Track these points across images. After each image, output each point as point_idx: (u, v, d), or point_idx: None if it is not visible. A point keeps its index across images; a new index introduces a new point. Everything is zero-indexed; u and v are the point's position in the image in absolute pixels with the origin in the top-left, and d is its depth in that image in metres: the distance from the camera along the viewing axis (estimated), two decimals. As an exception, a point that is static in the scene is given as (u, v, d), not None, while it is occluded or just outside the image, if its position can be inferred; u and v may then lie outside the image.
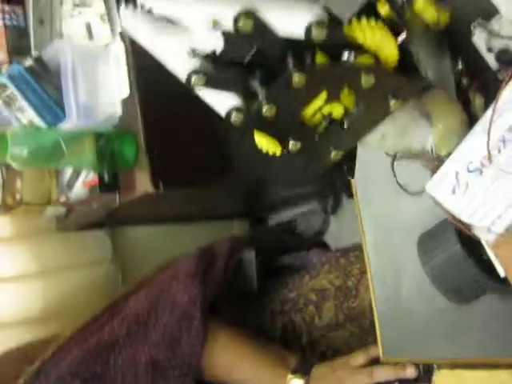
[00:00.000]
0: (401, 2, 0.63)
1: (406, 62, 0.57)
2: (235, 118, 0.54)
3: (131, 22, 0.48)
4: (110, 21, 1.61)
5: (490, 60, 0.65)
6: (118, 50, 1.59)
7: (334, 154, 0.58)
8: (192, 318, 1.24)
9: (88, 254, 1.97)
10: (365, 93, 0.54)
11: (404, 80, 0.56)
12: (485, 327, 0.77)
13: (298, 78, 0.51)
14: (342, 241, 1.98)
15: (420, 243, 0.76)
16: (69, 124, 1.55)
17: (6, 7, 1.77)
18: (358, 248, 1.30)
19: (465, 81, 0.65)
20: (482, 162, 0.59)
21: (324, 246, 1.71)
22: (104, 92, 1.61)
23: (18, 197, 1.73)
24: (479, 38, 0.65)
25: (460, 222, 0.62)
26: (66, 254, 1.91)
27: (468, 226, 0.61)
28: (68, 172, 1.72)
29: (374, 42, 0.55)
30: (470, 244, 0.67)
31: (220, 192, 1.91)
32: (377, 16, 0.64)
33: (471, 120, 0.64)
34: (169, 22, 0.48)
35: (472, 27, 0.65)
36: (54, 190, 1.78)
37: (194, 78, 0.51)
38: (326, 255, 1.41)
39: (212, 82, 0.52)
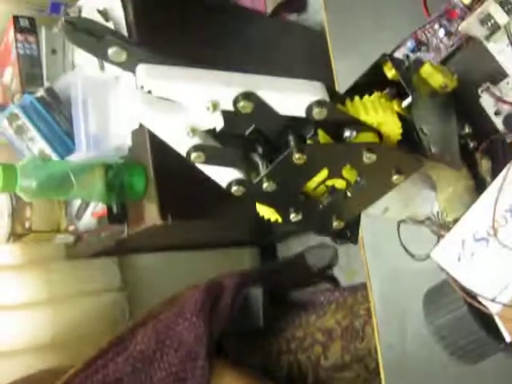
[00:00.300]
0: (407, 65, 0.63)
1: (410, 135, 0.56)
2: (236, 190, 0.53)
3: (132, 102, 0.48)
4: (122, 53, 1.62)
5: (498, 123, 0.65)
6: (129, 81, 1.60)
7: (336, 224, 0.58)
8: (197, 358, 1.23)
9: (96, 282, 1.97)
10: (367, 169, 0.53)
11: (407, 156, 0.55)
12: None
13: (298, 158, 0.50)
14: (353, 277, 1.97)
15: (425, 300, 0.75)
16: (78, 155, 1.56)
17: (19, 36, 1.78)
18: (365, 287, 1.29)
19: (472, 144, 0.65)
20: (488, 231, 0.58)
21: (333, 280, 1.69)
22: (114, 123, 1.61)
23: (27, 225, 1.73)
24: (487, 101, 0.65)
25: (465, 290, 0.61)
26: (75, 281, 1.91)
27: (473, 295, 0.60)
28: (77, 202, 1.73)
29: (377, 119, 0.53)
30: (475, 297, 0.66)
31: (229, 222, 1.90)
32: (381, 88, 0.64)
33: (478, 184, 0.63)
34: (167, 102, 0.48)
35: (480, 91, 0.65)
36: (62, 219, 1.78)
37: (193, 156, 0.50)
38: (333, 294, 1.39)
39: (212, 159, 0.51)
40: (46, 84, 1.69)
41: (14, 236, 1.72)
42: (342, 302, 1.35)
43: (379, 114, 0.53)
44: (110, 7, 1.69)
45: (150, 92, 0.46)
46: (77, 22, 0.45)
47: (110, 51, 0.45)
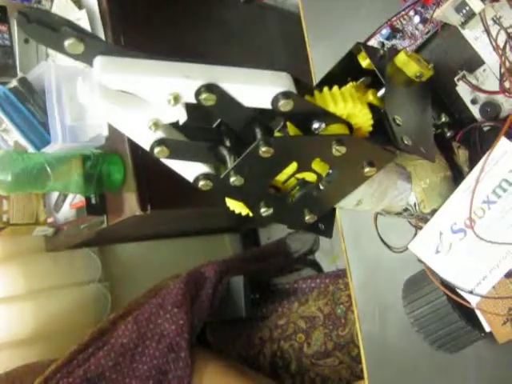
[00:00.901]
0: (381, 54, 0.61)
1: (382, 126, 0.54)
2: (203, 184, 0.51)
3: (89, 96, 0.45)
4: (96, 41, 1.59)
5: (475, 112, 0.63)
6: (87, 74, 1.57)
7: (309, 218, 0.56)
8: (179, 349, 1.22)
9: (77, 274, 1.96)
10: (337, 161, 0.51)
11: (378, 148, 0.53)
12: (469, 373, 0.76)
13: (265, 151, 0.48)
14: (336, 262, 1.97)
15: (404, 290, 0.74)
16: (54, 146, 1.53)
17: (-9, 26, 1.75)
18: (346, 274, 1.28)
19: (449, 133, 0.63)
20: (465, 222, 0.57)
21: (315, 266, 1.69)
22: (90, 113, 1.59)
23: (4, 218, 1.71)
24: (463, 90, 0.64)
25: (443, 282, 0.60)
26: (55, 274, 1.90)
27: (452, 287, 0.59)
28: (55, 194, 1.70)
29: (346, 111, 0.51)
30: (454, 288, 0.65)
31: (209, 210, 1.89)
32: (356, 77, 0.62)
33: (455, 174, 0.62)
34: (128, 96, 0.46)
35: (456, 79, 0.63)
36: (41, 211, 1.76)
37: (156, 150, 0.48)
38: (315, 281, 1.39)
39: (176, 154, 0.49)
40: (20, 74, 1.66)
41: (-8, 230, 1.70)
42: (324, 289, 1.35)
43: (348, 105, 0.51)
44: (82, -6, 1.66)
45: (107, 85, 0.44)
46: (30, 14, 0.42)
47: (67, 43, 0.42)
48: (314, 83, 0.93)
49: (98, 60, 0.44)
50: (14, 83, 1.60)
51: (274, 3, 2.14)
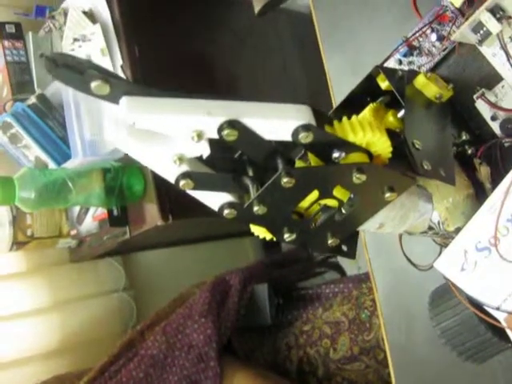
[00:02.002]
0: (400, 75, 0.62)
1: (402, 150, 0.55)
2: (228, 213, 0.52)
3: (116, 135, 0.47)
4: (111, 54, 1.61)
5: (495, 128, 0.64)
6: (113, 113, 1.58)
7: (332, 241, 0.57)
8: (208, 359, 1.24)
9: (102, 283, 1.98)
10: (358, 188, 0.53)
11: (398, 174, 0.54)
12: (497, 382, 0.77)
13: (286, 181, 0.49)
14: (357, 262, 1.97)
15: (430, 302, 0.75)
16: (75, 161, 1.55)
17: (6, 43, 1.76)
18: (369, 278, 1.29)
19: (470, 150, 0.64)
20: (490, 241, 0.57)
21: (338, 268, 1.69)
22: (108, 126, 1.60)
23: (29, 232, 1.73)
24: (483, 107, 0.64)
25: (469, 299, 0.60)
26: (80, 284, 1.92)
27: (478, 304, 0.60)
28: (77, 206, 1.72)
29: (365, 139, 0.52)
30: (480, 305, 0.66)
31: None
32: (375, 97, 0.63)
33: (478, 191, 0.63)
34: (152, 133, 0.47)
35: (475, 97, 0.64)
36: (64, 224, 1.79)
37: (182, 183, 0.49)
38: (338, 286, 1.39)
39: (201, 185, 0.51)
40: (38, 90, 1.68)
41: (17, 244, 1.72)
42: (348, 294, 1.36)
43: (367, 135, 0.52)
44: (95, 8, 1.67)
45: (133, 124, 0.45)
46: (58, 58, 0.44)
47: (93, 85, 0.44)
48: (332, 95, 0.94)
49: (124, 101, 0.46)
50: (32, 100, 1.62)
51: (284, 5, 2.14)
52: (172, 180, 0.51)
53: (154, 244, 2.04)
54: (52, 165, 1.63)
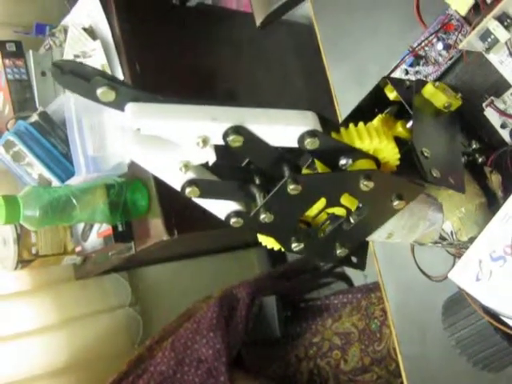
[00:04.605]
0: (408, 85, 0.62)
1: (410, 158, 0.54)
2: (234, 221, 0.51)
3: (122, 142, 0.47)
4: (112, 70, 1.61)
5: (505, 136, 0.63)
6: (118, 120, 1.59)
7: (340, 252, 0.56)
8: (218, 374, 1.23)
9: (108, 299, 1.97)
10: (366, 196, 0.52)
11: (406, 182, 0.53)
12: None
13: (293, 188, 0.48)
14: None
15: (444, 312, 0.74)
16: (78, 178, 1.54)
17: (7, 61, 1.76)
18: (378, 288, 1.28)
19: (480, 159, 0.63)
20: (505, 250, 0.57)
21: (345, 279, 1.69)
22: (111, 141, 1.60)
23: (33, 250, 1.73)
24: (492, 114, 0.63)
25: (485, 309, 0.60)
26: (86, 301, 1.91)
27: (494, 314, 0.59)
28: (82, 223, 1.71)
29: (372, 146, 0.51)
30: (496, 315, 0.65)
31: (234, 228, 1.89)
32: (383, 107, 0.62)
33: (489, 198, 0.62)
34: (158, 140, 0.47)
35: (484, 105, 0.63)
36: (68, 241, 1.78)
37: (188, 191, 0.48)
38: (347, 297, 1.39)
39: (207, 193, 0.50)
40: (39, 108, 1.67)
41: (22, 262, 1.72)
42: (357, 304, 1.35)
43: (374, 141, 0.51)
44: (95, 25, 1.67)
45: (139, 130, 0.45)
46: (63, 65, 0.44)
47: (99, 92, 0.44)
48: (337, 106, 0.93)
49: (129, 107, 0.45)
50: (34, 117, 1.62)
51: (285, 16, 2.14)
52: (178, 187, 0.50)
53: (160, 258, 2.03)
54: (56, 182, 1.62)
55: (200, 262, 2.21)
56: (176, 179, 0.49)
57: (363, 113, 0.64)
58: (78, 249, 1.76)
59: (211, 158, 0.48)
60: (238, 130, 0.46)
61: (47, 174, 1.62)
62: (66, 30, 1.75)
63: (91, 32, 1.68)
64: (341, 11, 0.94)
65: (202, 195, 0.49)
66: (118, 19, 1.65)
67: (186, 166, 0.48)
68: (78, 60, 1.69)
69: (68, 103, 1.56)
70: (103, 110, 1.60)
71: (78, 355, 1.80)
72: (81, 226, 1.74)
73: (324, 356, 1.32)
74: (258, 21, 1.06)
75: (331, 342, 1.31)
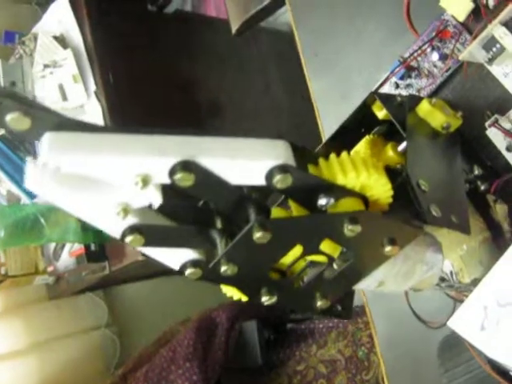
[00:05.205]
0: (399, 101, 0.53)
1: (404, 193, 0.45)
2: (191, 273, 0.41)
3: (39, 182, 0.35)
4: (84, 81, 1.52)
5: (511, 159, 0.55)
6: (95, 111, 1.51)
7: (321, 303, 0.47)
8: (194, 408, 1.15)
9: (82, 320, 1.89)
10: (351, 242, 0.42)
11: (400, 224, 0.44)
12: None
13: (260, 237, 0.38)
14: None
15: (440, 355, 0.66)
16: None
17: (-26, 71, 1.68)
18: (365, 312, 1.20)
19: (483, 186, 0.55)
20: (515, 295, 0.49)
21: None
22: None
23: (2, 271, 1.64)
24: (496, 136, 0.55)
25: (491, 363, 0.52)
26: (60, 322, 1.83)
27: (502, 369, 0.51)
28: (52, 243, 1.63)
29: (359, 181, 0.41)
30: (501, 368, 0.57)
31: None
32: (367, 128, 0.54)
33: (494, 231, 0.54)
34: (86, 179, 0.36)
35: (487, 125, 0.55)
36: (40, 261, 1.70)
37: (128, 240, 0.38)
38: (332, 321, 1.30)
39: (154, 241, 0.39)
40: (7, 121, 1.58)
41: (-9, 283, 1.64)
42: (343, 330, 1.26)
43: (361, 176, 0.41)
44: (66, 33, 1.59)
45: (58, 168, 0.34)
46: None
47: (9, 118, 0.34)
48: (319, 122, 0.85)
49: (47, 137, 0.35)
50: (1, 131, 1.53)
51: (266, 24, 2.07)
52: (118, 235, 0.40)
53: (137, 277, 1.94)
54: (25, 199, 1.54)
55: (179, 279, 2.12)
56: (114, 226, 0.39)
57: (348, 134, 0.55)
58: (50, 268, 1.68)
59: (156, 199, 0.38)
60: (187, 165, 0.36)
61: (16, 191, 1.54)
62: (36, 38, 1.67)
63: (62, 40, 1.60)
64: (322, 17, 0.85)
65: (148, 244, 0.39)
66: (90, 27, 1.56)
67: (125, 211, 0.38)
68: (48, 70, 1.60)
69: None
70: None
71: (51, 380, 1.71)
72: (52, 245, 1.66)
73: (309, 385, 1.23)
74: (234, 28, 0.98)
75: (316, 370, 1.23)
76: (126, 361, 1.47)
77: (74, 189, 0.36)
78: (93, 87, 1.51)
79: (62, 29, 1.60)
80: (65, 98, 1.55)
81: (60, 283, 1.74)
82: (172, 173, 0.36)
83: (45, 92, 1.60)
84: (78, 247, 1.57)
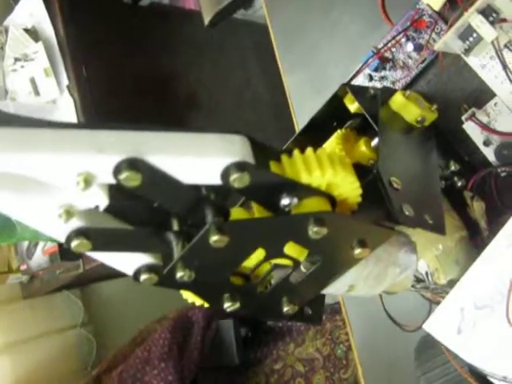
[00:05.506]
0: (372, 94, 0.51)
1: (375, 191, 0.42)
2: (146, 278, 0.38)
3: None
4: (56, 75, 1.48)
5: (489, 154, 0.53)
6: (67, 106, 1.47)
7: (288, 309, 0.43)
8: (169, 409, 1.12)
9: (58, 320, 1.86)
10: (317, 244, 0.39)
11: (371, 225, 0.40)
12: None
13: (216, 240, 0.35)
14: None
15: (417, 357, 0.64)
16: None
17: None
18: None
19: (459, 183, 0.53)
20: (492, 296, 0.46)
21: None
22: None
23: (-27, 269, 1.60)
24: (472, 130, 0.53)
25: (468, 367, 0.49)
26: (34, 322, 1.80)
27: (478, 372, 0.49)
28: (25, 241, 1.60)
29: (325, 180, 0.38)
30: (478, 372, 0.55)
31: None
32: (340, 121, 0.51)
33: (471, 229, 0.52)
34: (23, 179, 0.32)
35: (464, 118, 0.53)
36: (13, 259, 1.66)
37: (74, 244, 0.34)
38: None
39: (103, 245, 0.36)
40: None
41: (-38, 282, 1.60)
42: (321, 328, 1.24)
43: (327, 173, 0.38)
44: (38, 25, 1.55)
45: None
46: None
47: None
48: (293, 116, 0.83)
49: None
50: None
51: (243, 17, 2.04)
52: (63, 239, 0.36)
53: (112, 275, 1.91)
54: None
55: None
56: (58, 229, 0.35)
57: (319, 128, 0.52)
58: (23, 267, 1.64)
59: (102, 200, 0.34)
60: (133, 164, 0.32)
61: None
62: (7, 31, 1.62)
63: (34, 33, 1.55)
64: (297, 10, 0.83)
65: (96, 248, 0.36)
66: (62, 19, 1.52)
67: (68, 213, 0.34)
68: (19, 63, 1.56)
69: (7, 109, 1.44)
70: (47, 117, 1.48)
71: (24, 381, 1.68)
72: (25, 243, 1.63)
73: (286, 384, 1.21)
74: (207, 19, 0.94)
75: (294, 368, 1.21)
76: (103, 360, 1.45)
77: (9, 189, 0.33)
78: (65, 82, 1.47)
79: (33, 21, 1.56)
80: (37, 92, 1.51)
81: (34, 282, 1.70)
82: (116, 172, 0.32)
83: (16, 86, 1.56)
84: (52, 245, 1.53)
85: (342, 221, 0.39)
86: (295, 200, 0.37)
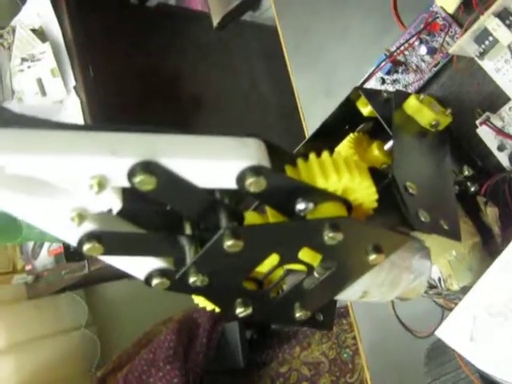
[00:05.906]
0: (385, 97, 0.50)
1: (391, 197, 0.41)
2: (158, 283, 0.38)
3: None
4: (63, 75, 1.48)
5: (503, 160, 0.52)
6: (74, 106, 1.47)
7: (301, 314, 0.43)
8: (174, 411, 1.11)
9: (62, 320, 1.86)
10: (332, 250, 0.38)
11: (387, 231, 0.40)
12: None
13: (231, 245, 0.34)
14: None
15: (427, 363, 0.64)
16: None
17: (-49, 63, 1.64)
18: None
19: (473, 188, 0.52)
20: (506, 304, 0.46)
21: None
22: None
23: (-21, 269, 1.60)
24: (487, 134, 0.52)
25: (481, 374, 0.49)
26: (39, 322, 1.79)
27: (489, 379, 0.48)
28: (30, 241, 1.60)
29: (341, 184, 0.38)
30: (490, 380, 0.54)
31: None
32: (352, 125, 0.51)
33: (484, 235, 0.51)
34: (35, 180, 0.31)
35: (478, 122, 0.52)
36: (18, 259, 1.66)
37: (86, 248, 0.34)
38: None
39: (116, 250, 0.36)
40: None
41: (-33, 282, 1.60)
42: (327, 331, 1.24)
43: (344, 178, 0.37)
44: (45, 25, 1.54)
45: (2, 169, 0.30)
46: None
47: None
48: (303, 120, 0.82)
49: None
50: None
51: (251, 19, 2.04)
52: (74, 243, 0.36)
53: (117, 276, 1.91)
54: None
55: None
56: (71, 232, 0.35)
57: (331, 131, 0.52)
58: (28, 267, 1.64)
59: (115, 204, 0.34)
60: (148, 167, 0.31)
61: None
62: (14, 31, 1.62)
63: (41, 33, 1.55)
64: (306, 10, 0.82)
65: (108, 252, 0.35)
66: (69, 19, 1.52)
67: (81, 216, 0.33)
68: (26, 64, 1.56)
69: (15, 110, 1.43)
70: (53, 117, 1.48)
71: (29, 381, 1.68)
72: (31, 244, 1.63)
73: (292, 388, 1.20)
74: (215, 21, 0.94)
75: (299, 372, 1.20)
76: (107, 361, 1.44)
77: (22, 192, 0.32)
78: (72, 82, 1.47)
79: (41, 21, 1.56)
80: (44, 92, 1.51)
81: (39, 282, 1.70)
82: (131, 175, 0.31)
83: (23, 86, 1.56)
84: (57, 246, 1.53)
85: (358, 226, 0.38)
86: (311, 205, 0.36)
